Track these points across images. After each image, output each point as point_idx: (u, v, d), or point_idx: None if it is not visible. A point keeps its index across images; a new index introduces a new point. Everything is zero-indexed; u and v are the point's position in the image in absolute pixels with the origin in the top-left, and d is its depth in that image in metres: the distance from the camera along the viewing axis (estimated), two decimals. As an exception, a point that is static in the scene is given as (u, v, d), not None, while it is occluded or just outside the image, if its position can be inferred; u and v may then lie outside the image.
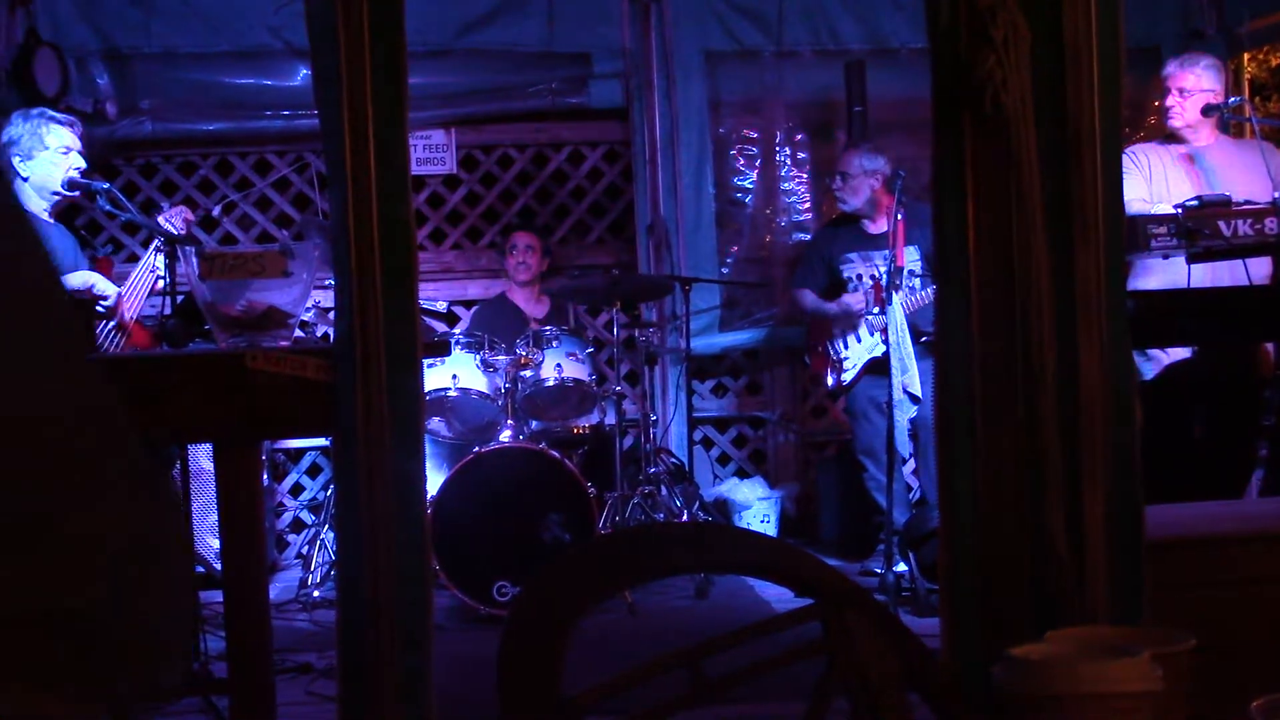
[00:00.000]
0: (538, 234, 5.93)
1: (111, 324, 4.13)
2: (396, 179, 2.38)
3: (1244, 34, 5.79)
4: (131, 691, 0.99)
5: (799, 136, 6.30)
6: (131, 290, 4.21)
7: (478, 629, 4.31)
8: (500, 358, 4.78)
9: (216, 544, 3.99)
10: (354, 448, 2.35)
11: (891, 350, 4.35)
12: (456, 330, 5.75)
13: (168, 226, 4.04)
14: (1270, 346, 4.36)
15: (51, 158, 4.13)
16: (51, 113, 4.28)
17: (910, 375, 4.40)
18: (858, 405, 5.21)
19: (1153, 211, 3.73)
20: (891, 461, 4.36)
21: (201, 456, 4.70)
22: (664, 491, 5.03)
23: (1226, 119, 4.69)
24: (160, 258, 3.97)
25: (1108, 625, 2.25)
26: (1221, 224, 3.16)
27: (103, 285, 4.09)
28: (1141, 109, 5.91)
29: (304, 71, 5.77)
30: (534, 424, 4.96)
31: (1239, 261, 3.46)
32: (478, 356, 4.81)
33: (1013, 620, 2.32)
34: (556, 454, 4.56)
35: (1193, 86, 4.39)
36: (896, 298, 4.38)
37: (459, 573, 4.38)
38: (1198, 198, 3.34)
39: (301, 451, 6.17)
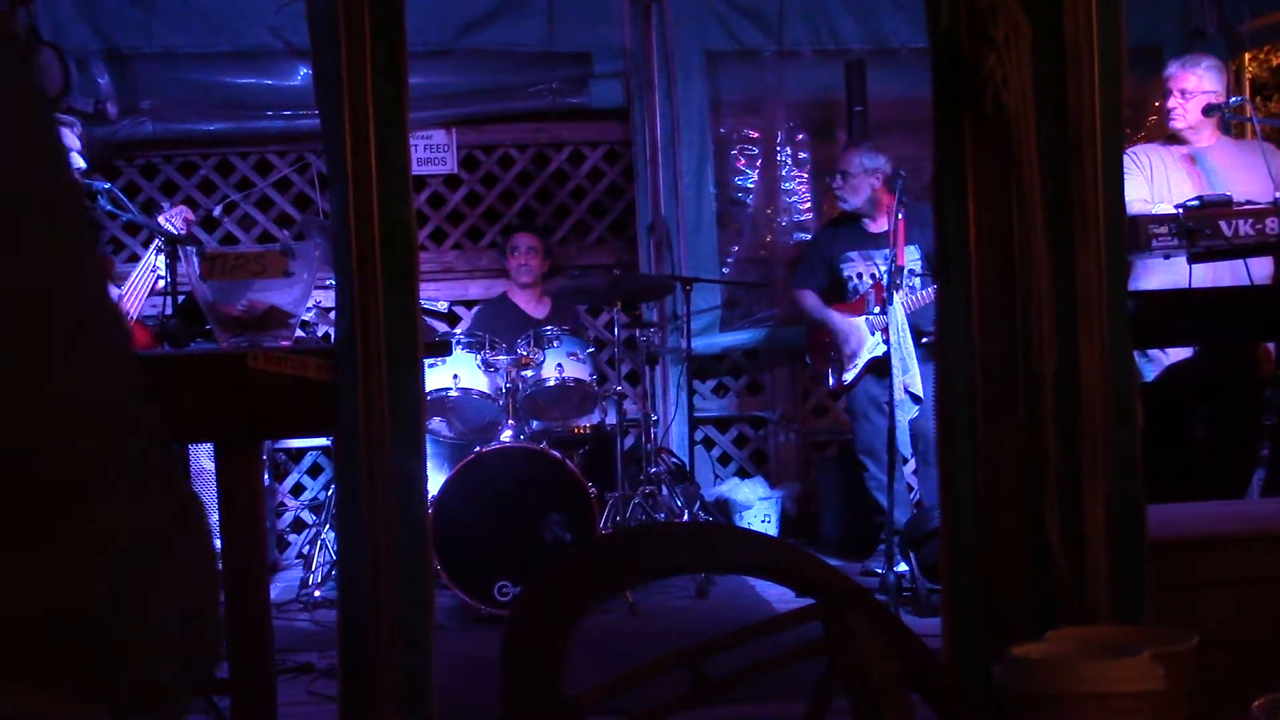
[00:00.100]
0: (539, 235, 5.93)
1: (112, 324, 4.12)
2: (397, 179, 2.38)
3: (1245, 33, 5.79)
4: (133, 692, 0.99)
5: (800, 136, 6.30)
6: (132, 290, 4.21)
7: (479, 629, 4.31)
8: (501, 358, 4.79)
9: (217, 544, 3.98)
10: (355, 447, 2.35)
11: (892, 350, 4.35)
12: (457, 330, 5.75)
13: (168, 226, 4.04)
14: (1271, 346, 4.36)
15: (52, 158, 4.12)
16: (52, 113, 4.27)
17: (911, 375, 4.40)
18: (858, 405, 5.21)
19: (1154, 211, 3.73)
20: (893, 461, 4.36)
21: (202, 456, 4.70)
22: (665, 491, 5.03)
23: (1228, 119, 4.69)
24: (161, 258, 3.97)
25: (1109, 625, 2.25)
26: (1222, 224, 3.16)
27: (103, 285, 4.09)
28: (1142, 108, 5.91)
29: (305, 71, 5.77)
30: (535, 424, 4.96)
31: (1240, 261, 3.46)
32: (479, 356, 4.81)
33: (1014, 620, 2.32)
34: (557, 454, 4.56)
35: (1194, 88, 4.39)
36: (897, 297, 4.38)
37: (460, 572, 4.38)
38: (1199, 198, 3.34)
39: (302, 451, 6.17)
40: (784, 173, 6.28)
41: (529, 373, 4.81)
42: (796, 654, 1.69)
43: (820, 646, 1.72)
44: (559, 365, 4.83)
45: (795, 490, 6.10)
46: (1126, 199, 2.42)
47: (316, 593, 4.76)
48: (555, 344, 4.88)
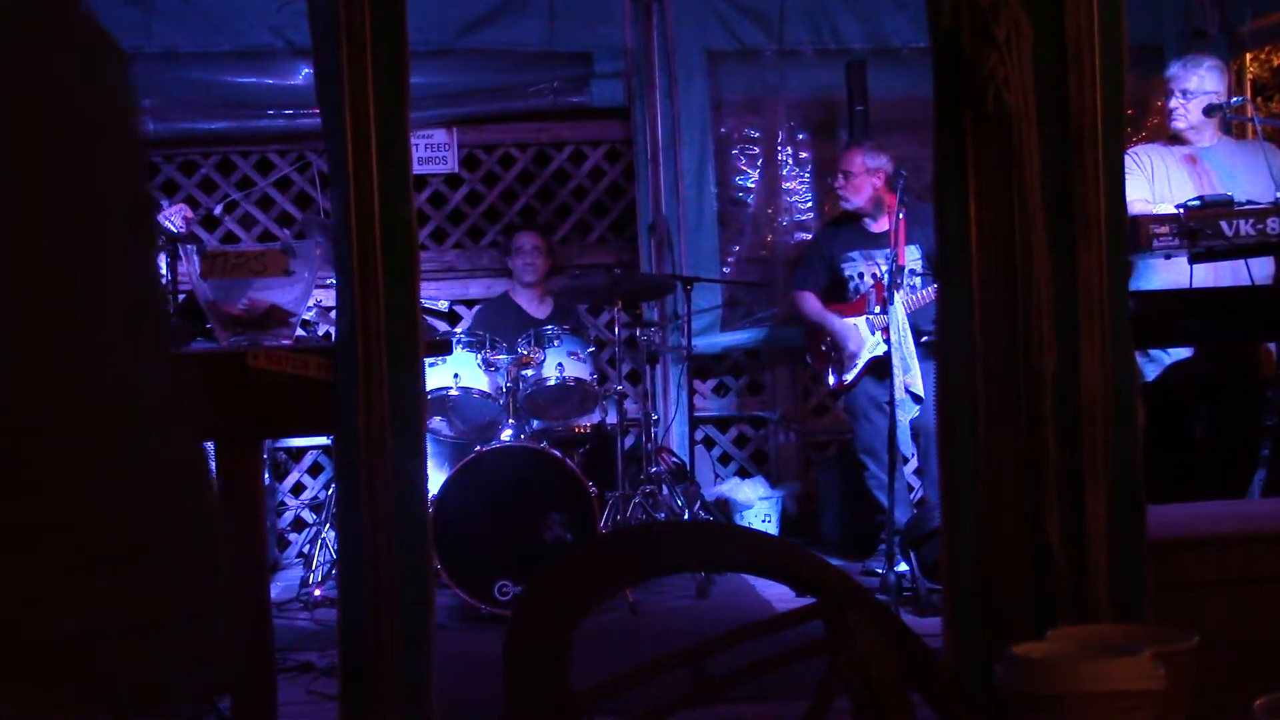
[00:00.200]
0: (541, 234, 5.94)
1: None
2: (398, 178, 2.38)
3: (1246, 33, 5.79)
4: (133, 692, 0.99)
5: (800, 136, 6.29)
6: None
7: (479, 628, 4.31)
8: (502, 357, 4.79)
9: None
10: (355, 447, 2.35)
11: (893, 349, 4.34)
12: (458, 329, 5.75)
13: (168, 225, 4.04)
14: (1272, 346, 4.36)
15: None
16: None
17: (912, 374, 4.40)
18: (859, 405, 5.21)
19: (1155, 211, 3.73)
20: (893, 461, 4.36)
21: (203, 455, 4.70)
22: (665, 491, 5.03)
23: (1229, 119, 4.69)
24: (161, 257, 3.97)
25: (1109, 624, 2.24)
26: (1223, 224, 3.16)
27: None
28: (1144, 108, 5.91)
29: (306, 70, 5.77)
30: (535, 423, 4.97)
31: (1241, 262, 3.46)
32: (479, 355, 4.81)
33: (1014, 619, 2.31)
34: (558, 453, 4.56)
35: (1196, 88, 4.39)
36: (898, 297, 4.38)
37: (460, 572, 4.39)
38: (1199, 198, 3.34)
39: (303, 450, 6.17)
40: (785, 172, 6.28)
41: (529, 372, 4.81)
42: (797, 653, 1.69)
43: (821, 646, 1.72)
44: (559, 364, 4.83)
45: (796, 490, 6.10)
46: (1128, 199, 2.42)
47: (317, 592, 4.76)
48: (556, 343, 4.88)
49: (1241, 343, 4.22)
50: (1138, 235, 3.11)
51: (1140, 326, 2.42)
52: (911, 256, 5.01)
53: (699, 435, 6.18)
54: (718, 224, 6.19)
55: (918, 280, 5.02)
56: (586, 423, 5.09)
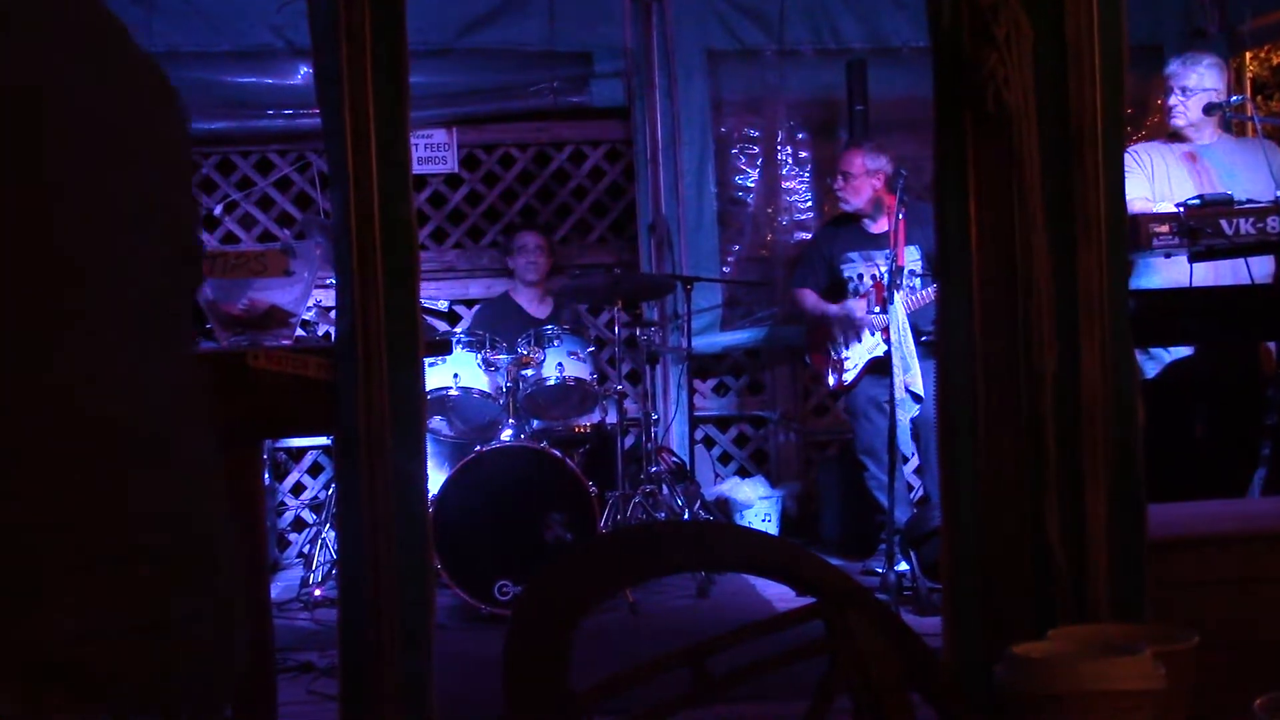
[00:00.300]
0: (543, 233, 5.94)
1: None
2: (398, 178, 2.38)
3: (1246, 32, 5.78)
4: (133, 694, 0.98)
5: (800, 135, 6.29)
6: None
7: (479, 628, 4.31)
8: (501, 357, 4.79)
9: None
10: (355, 447, 2.35)
11: (893, 349, 4.34)
12: (458, 329, 5.75)
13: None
14: (1272, 345, 4.36)
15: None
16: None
17: (912, 374, 4.40)
18: (858, 404, 5.21)
19: (1155, 210, 3.73)
20: (893, 461, 4.36)
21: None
22: (665, 490, 5.03)
23: (1229, 118, 4.68)
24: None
25: (1109, 623, 2.24)
26: (1223, 223, 3.15)
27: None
28: (1144, 107, 5.90)
29: (305, 70, 5.77)
30: (535, 423, 4.97)
31: (1241, 260, 3.45)
32: (479, 355, 4.81)
33: (1015, 619, 2.31)
34: (558, 453, 4.56)
35: (1195, 86, 4.39)
36: (898, 297, 4.38)
37: (460, 572, 4.38)
38: (1199, 196, 3.34)
39: (303, 450, 6.17)
40: (785, 172, 6.28)
41: (529, 372, 4.81)
42: (797, 653, 1.69)
43: (821, 646, 1.72)
44: (559, 364, 4.83)
45: (796, 489, 6.10)
46: (1128, 198, 2.42)
47: (317, 592, 4.76)
48: (556, 343, 4.88)
49: (1241, 341, 4.22)
50: (1138, 234, 3.11)
51: (1140, 325, 2.42)
52: (911, 257, 5.01)
53: (699, 435, 6.18)
54: (718, 224, 6.19)
55: (917, 280, 5.02)
56: (586, 422, 5.09)
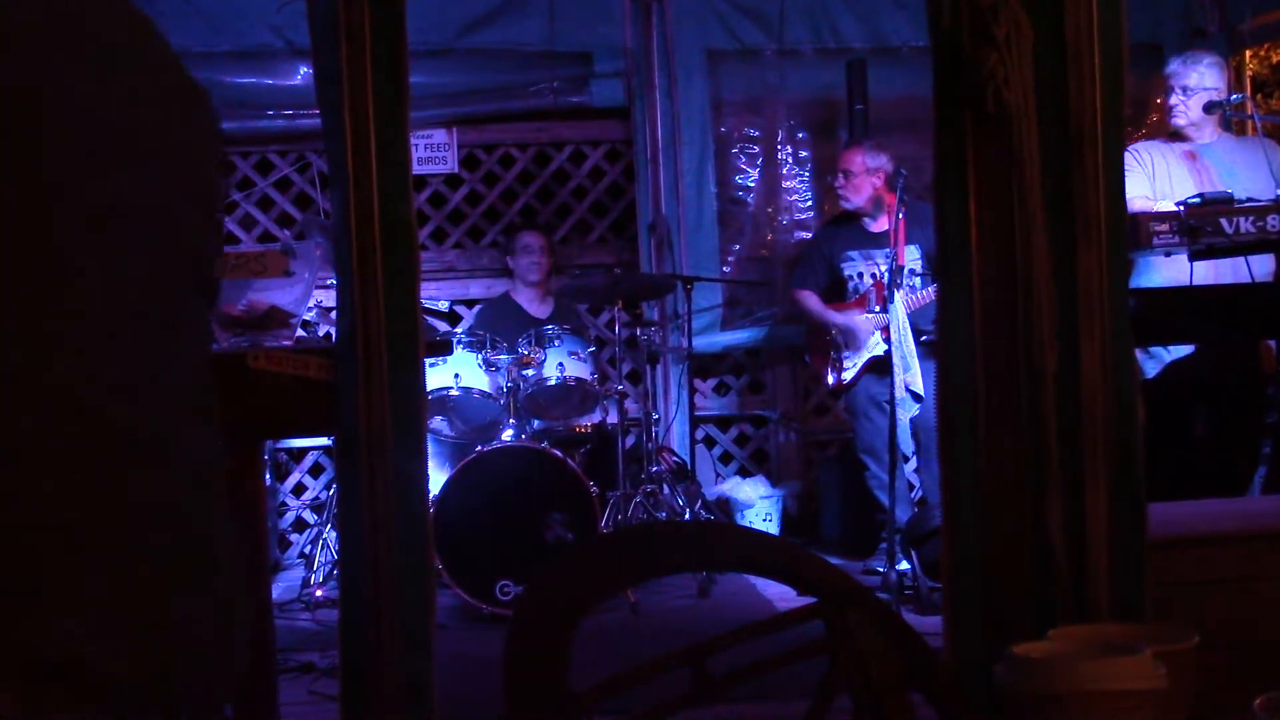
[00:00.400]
0: (544, 233, 5.94)
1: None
2: (398, 178, 2.38)
3: (1246, 31, 5.78)
4: (134, 694, 0.98)
5: (800, 135, 6.30)
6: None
7: (480, 628, 4.31)
8: (502, 357, 4.79)
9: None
10: (356, 447, 2.35)
11: (893, 349, 4.34)
12: (458, 329, 5.75)
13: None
14: (1273, 344, 4.35)
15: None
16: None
17: (912, 374, 4.40)
18: (859, 404, 5.21)
19: (1155, 209, 3.73)
20: (894, 460, 4.36)
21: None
22: (666, 490, 5.03)
23: (1229, 116, 4.68)
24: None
25: (1110, 623, 2.24)
26: (1223, 221, 3.15)
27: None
28: (1144, 106, 5.91)
29: (305, 71, 5.77)
30: (536, 423, 4.97)
31: (1241, 259, 3.45)
32: (480, 355, 4.81)
33: (1015, 618, 2.31)
34: (559, 453, 4.56)
35: (1196, 85, 4.39)
36: (898, 296, 4.38)
37: (461, 572, 4.39)
38: (1200, 195, 3.34)
39: (304, 451, 6.18)
40: (785, 172, 6.29)
41: (530, 372, 4.81)
42: (798, 653, 1.69)
43: (822, 645, 1.72)
44: (560, 364, 4.83)
45: (796, 489, 6.10)
46: (1128, 196, 2.41)
47: (318, 592, 4.76)
48: (556, 343, 4.88)
49: (1242, 340, 4.21)
50: (1138, 233, 3.11)
51: (1140, 324, 2.42)
52: (911, 256, 5.01)
53: (700, 435, 6.19)
54: (718, 223, 6.19)
55: (917, 280, 5.02)
56: (587, 422, 5.09)
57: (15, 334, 0.95)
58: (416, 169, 5.69)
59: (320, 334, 5.11)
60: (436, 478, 4.33)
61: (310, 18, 2.41)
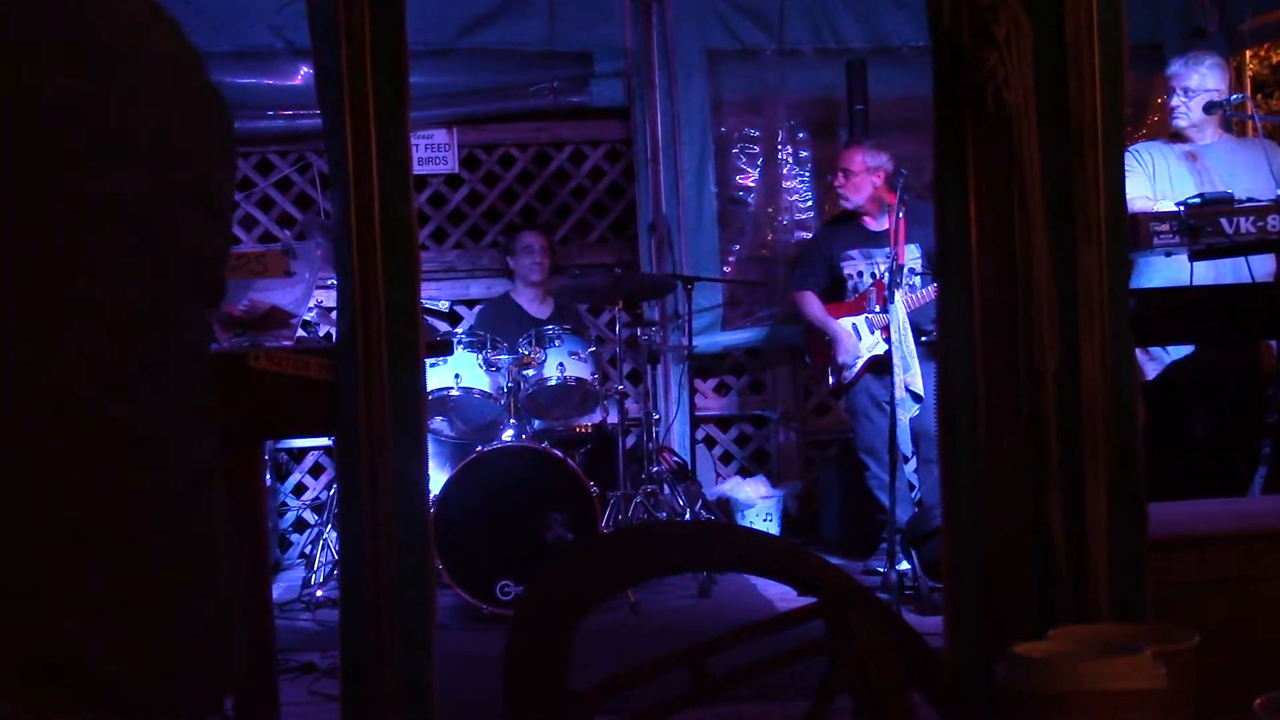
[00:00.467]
0: (544, 233, 5.93)
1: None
2: (398, 178, 2.38)
3: (1246, 31, 5.78)
4: (135, 695, 0.99)
5: (801, 135, 6.30)
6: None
7: (481, 628, 4.31)
8: (502, 357, 4.79)
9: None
10: (356, 447, 2.35)
11: (893, 349, 4.34)
12: (459, 329, 5.75)
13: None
14: (1273, 344, 4.35)
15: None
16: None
17: (912, 373, 4.39)
18: (859, 404, 5.21)
19: (1155, 209, 3.72)
20: (894, 460, 4.36)
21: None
22: (666, 490, 5.03)
23: (1229, 116, 4.68)
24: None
25: (1110, 623, 2.24)
26: (1224, 221, 3.15)
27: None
28: (1144, 107, 5.91)
29: (306, 71, 5.77)
30: (536, 423, 4.97)
31: (1241, 259, 3.45)
32: (480, 356, 4.81)
33: (1015, 618, 2.31)
34: (559, 453, 4.56)
35: (1197, 86, 4.38)
36: (898, 296, 4.38)
37: (462, 572, 4.38)
38: (1200, 195, 3.34)
39: (304, 451, 6.18)
40: (785, 171, 6.29)
41: (530, 372, 4.81)
42: (798, 653, 1.69)
43: (822, 645, 1.72)
44: (560, 364, 4.83)
45: (797, 489, 6.10)
46: (1128, 197, 2.41)
47: (318, 592, 4.76)
48: (557, 343, 4.88)
49: (1242, 340, 4.21)
50: (1138, 233, 3.11)
51: (1141, 324, 2.42)
52: (911, 255, 5.01)
53: (700, 434, 6.18)
54: (718, 223, 6.19)
55: (918, 279, 5.02)
56: (588, 422, 5.09)
57: (16, 334, 0.95)
58: (417, 169, 5.69)
59: (321, 334, 5.11)
60: (437, 478, 4.33)
61: (310, 18, 2.41)
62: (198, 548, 1.07)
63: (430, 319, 5.50)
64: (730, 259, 6.25)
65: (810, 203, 6.32)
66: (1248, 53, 5.92)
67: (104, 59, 1.02)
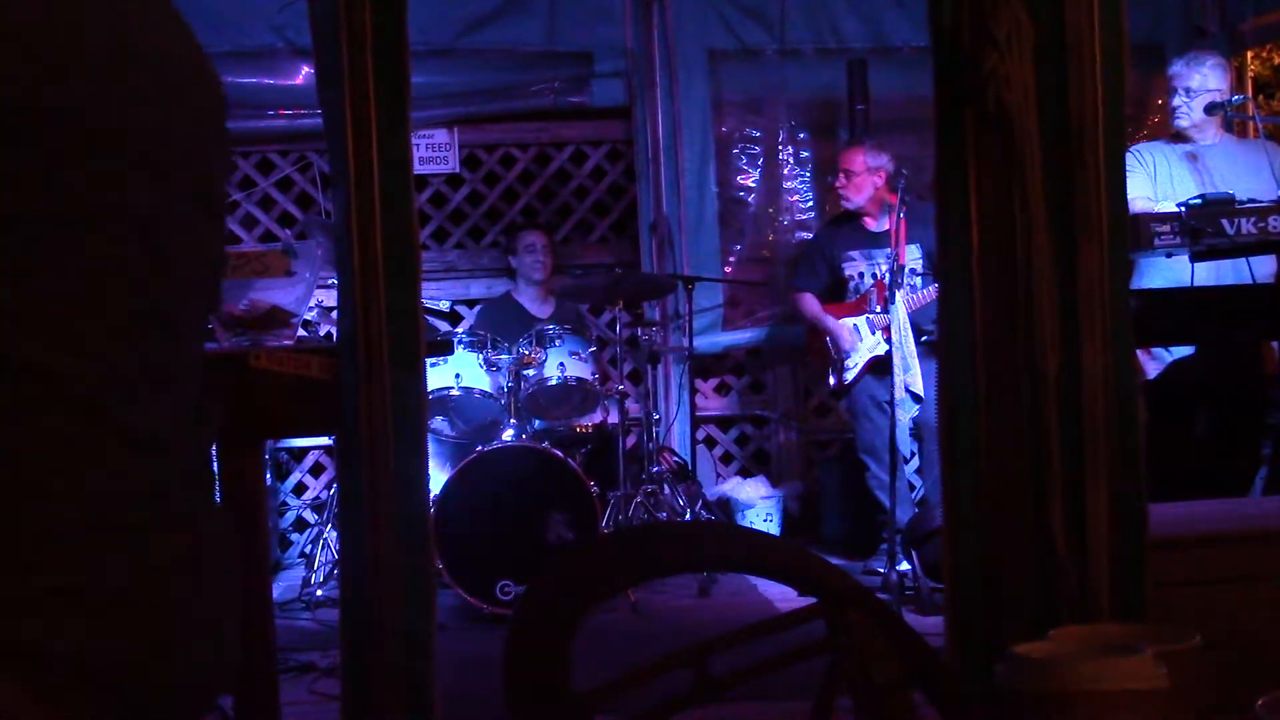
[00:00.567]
0: (546, 232, 5.93)
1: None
2: (399, 178, 2.38)
3: (1247, 31, 5.78)
4: (136, 695, 0.99)
5: (801, 135, 6.29)
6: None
7: (481, 628, 4.31)
8: (503, 357, 4.79)
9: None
10: (357, 447, 2.35)
11: (894, 349, 4.34)
12: (459, 329, 5.75)
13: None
14: (1275, 345, 4.35)
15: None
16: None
17: (913, 374, 4.40)
18: (859, 404, 5.21)
19: (1156, 210, 3.72)
20: (894, 460, 4.36)
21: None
22: (667, 490, 5.03)
23: (1230, 117, 4.68)
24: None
25: (1111, 623, 2.24)
26: (1225, 222, 3.16)
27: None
28: (1144, 107, 5.90)
29: (307, 71, 5.77)
30: (537, 423, 4.97)
31: (1242, 260, 3.45)
32: (481, 355, 4.81)
33: (1016, 618, 2.31)
34: (559, 453, 4.56)
35: (1198, 86, 4.38)
36: (899, 296, 4.38)
37: (462, 572, 4.38)
38: (1201, 196, 3.34)
39: (304, 450, 6.17)
40: (786, 171, 6.28)
41: (531, 372, 4.81)
42: (799, 653, 1.69)
43: (822, 646, 1.72)
44: (561, 364, 4.83)
45: (797, 489, 6.10)
46: (1129, 197, 2.41)
47: (319, 592, 4.76)
48: (557, 343, 4.88)
49: (1243, 341, 4.21)
50: (1139, 233, 3.12)
51: (1142, 325, 2.42)
52: (912, 256, 5.01)
53: (700, 435, 6.18)
54: (719, 223, 6.19)
55: (918, 280, 5.02)
56: (588, 422, 5.09)
57: (17, 333, 0.94)
58: (418, 169, 5.69)
59: (321, 334, 5.12)
60: (437, 477, 4.33)
61: (312, 18, 2.41)
62: (195, 547, 1.07)
63: (431, 319, 5.50)
64: (731, 259, 6.25)
65: (811, 203, 6.32)
66: (1249, 54, 5.92)
67: (104, 57, 1.02)
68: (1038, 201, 2.32)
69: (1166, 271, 3.92)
